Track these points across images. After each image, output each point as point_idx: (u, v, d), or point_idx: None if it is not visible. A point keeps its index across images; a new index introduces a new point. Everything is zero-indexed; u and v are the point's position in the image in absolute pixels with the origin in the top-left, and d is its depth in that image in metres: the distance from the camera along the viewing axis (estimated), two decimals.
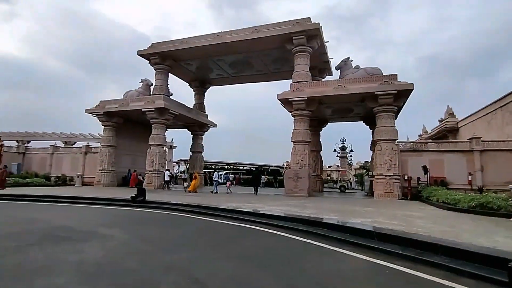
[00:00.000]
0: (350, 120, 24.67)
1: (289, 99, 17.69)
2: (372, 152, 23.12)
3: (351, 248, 5.41)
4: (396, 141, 16.70)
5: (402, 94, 16.08)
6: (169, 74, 24.31)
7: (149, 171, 21.54)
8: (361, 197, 19.00)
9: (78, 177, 22.73)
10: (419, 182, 16.63)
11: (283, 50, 20.62)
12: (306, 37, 18.50)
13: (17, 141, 35.34)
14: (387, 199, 15.55)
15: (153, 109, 21.27)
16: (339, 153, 33.75)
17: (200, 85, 27.85)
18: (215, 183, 20.43)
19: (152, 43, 22.56)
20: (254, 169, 41.29)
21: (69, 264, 4.22)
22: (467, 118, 26.73)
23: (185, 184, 21.14)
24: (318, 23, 18.32)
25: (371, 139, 22.94)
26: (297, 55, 18.88)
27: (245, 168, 50.21)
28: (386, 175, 15.96)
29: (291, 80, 19.05)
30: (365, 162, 61.88)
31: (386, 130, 16.40)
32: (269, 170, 45.39)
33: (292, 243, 5.96)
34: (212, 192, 18.94)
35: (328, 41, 20.37)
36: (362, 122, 23.27)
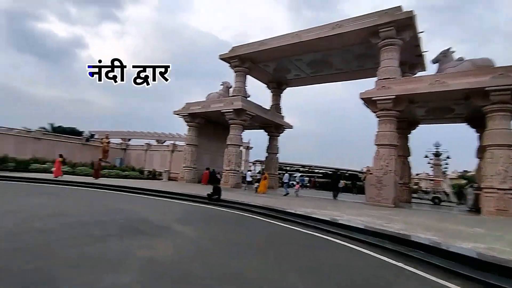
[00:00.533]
0: (448, 122, 21.11)
1: (373, 98, 15.96)
2: (478, 160, 19.37)
3: (461, 282, 4.15)
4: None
5: None
6: (248, 76, 24.90)
7: (226, 170, 22.28)
8: (462, 213, 15.94)
9: (165, 172, 25.03)
10: None
11: (367, 45, 18.86)
12: (396, 28, 16.45)
13: (122, 139, 41.22)
14: (499, 218, 12.58)
15: (232, 110, 21.94)
16: (431, 159, 29.45)
17: (277, 86, 27.75)
18: (285, 185, 19.98)
19: (233, 47, 23.36)
20: (331, 172, 39.28)
21: (138, 260, 4.20)
22: None
23: (256, 185, 21.10)
24: (412, 11, 16.08)
25: (478, 144, 19.23)
26: (384, 50, 16.96)
27: (320, 171, 48.51)
28: (499, 189, 12.93)
29: (375, 78, 17.23)
30: (463, 171, 53.03)
31: (501, 133, 13.31)
32: (346, 174, 42.76)
33: (377, 264, 4.96)
34: (284, 195, 18.37)
35: (423, 31, 17.74)
36: (465, 123, 19.64)
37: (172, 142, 32.03)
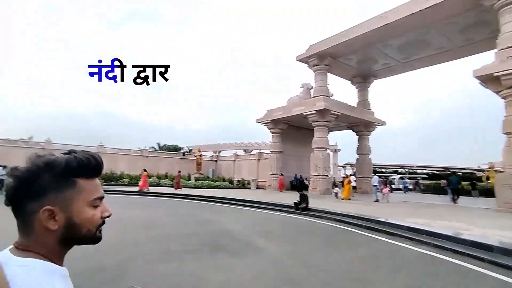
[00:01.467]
0: None
1: (496, 74, 12.48)
2: None
3: None
4: None
5: None
6: (329, 74, 23.29)
7: (314, 175, 20.98)
8: None
9: (253, 181, 25.23)
10: None
11: (476, 11, 15.21)
12: None
13: (213, 151, 44.16)
14: None
15: (314, 111, 20.68)
16: None
17: (362, 80, 25.17)
18: (374, 189, 17.11)
19: (310, 45, 22.18)
20: (449, 173, 33.62)
21: (211, 284, 3.55)
22: None
23: (335, 190, 18.29)
24: None
25: None
26: (504, 10, 13.22)
27: (424, 171, 42.08)
28: None
29: (491, 51, 13.57)
30: None
31: None
32: (459, 174, 35.76)
33: None
34: (375, 201, 15.71)
35: None
36: None
37: (258, 150, 32.45)
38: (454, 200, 16.06)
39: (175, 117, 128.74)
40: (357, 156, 25.17)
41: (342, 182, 18.83)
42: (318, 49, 21.21)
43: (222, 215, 10.55)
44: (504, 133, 12.88)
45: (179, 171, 23.21)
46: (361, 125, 24.18)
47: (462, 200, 19.29)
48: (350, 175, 20.26)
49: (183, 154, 34.50)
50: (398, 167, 41.06)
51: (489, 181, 27.39)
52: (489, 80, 13.08)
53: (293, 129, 26.73)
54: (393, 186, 24.60)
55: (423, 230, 6.67)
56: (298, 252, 5.66)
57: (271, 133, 25.35)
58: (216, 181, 27.23)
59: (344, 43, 19.62)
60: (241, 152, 38.31)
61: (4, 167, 13.52)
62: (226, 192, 19.86)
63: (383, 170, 41.59)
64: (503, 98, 13.02)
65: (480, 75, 13.13)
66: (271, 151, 25.42)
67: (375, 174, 19.24)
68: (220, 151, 45.42)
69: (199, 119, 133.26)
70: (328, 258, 5.27)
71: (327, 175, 21.01)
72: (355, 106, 24.27)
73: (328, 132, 28.36)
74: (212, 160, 34.44)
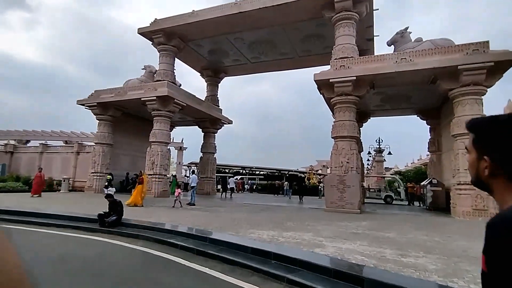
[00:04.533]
0: (399, 114, 19.79)
1: (332, 80, 13.08)
2: (431, 154, 18.23)
3: None
4: None
5: (500, 68, 11.19)
6: (178, 61, 20.33)
7: (149, 174, 17.32)
8: (425, 213, 14.04)
9: (64, 181, 18.77)
10: None
11: (317, 22, 16.19)
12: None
13: (16, 140, 32.18)
14: (478, 220, 10.67)
15: (155, 97, 17.12)
16: (374, 156, 28.68)
17: (213, 74, 23.63)
18: (192, 191, 13.91)
19: (156, 19, 18.47)
20: (292, 175, 37.03)
21: None
22: None
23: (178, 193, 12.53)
24: None
25: (430, 137, 18.09)
26: (339, 24, 14.28)
27: (261, 173, 45.71)
28: None
29: (323, 67, 14.55)
30: (394, 167, 55.99)
31: None
32: (287, 175, 40.79)
33: None
34: (190, 203, 13.00)
35: (377, 9, 15.67)
36: (416, 115, 18.38)
37: (80, 142, 25.35)
38: (300, 199, 16.54)
39: None
40: (201, 154, 23.26)
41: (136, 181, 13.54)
42: (165, 24, 17.85)
43: None
44: (333, 137, 13.74)
45: None
46: (208, 121, 22.46)
47: (294, 199, 20.59)
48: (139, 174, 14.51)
49: None
50: (240, 167, 42.67)
51: (309, 181, 31.74)
52: (325, 85, 13.67)
53: (130, 119, 22.10)
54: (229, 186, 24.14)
55: (280, 256, 4.67)
56: None
57: (98, 120, 19.81)
58: (4, 180, 18.77)
59: (195, 25, 17.19)
60: (60, 144, 29.25)
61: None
62: (9, 198, 13.16)
63: (227, 170, 42.21)
64: (334, 105, 13.93)
65: (318, 79, 13.55)
66: (96, 143, 19.83)
67: (193, 173, 15.78)
68: (29, 141, 33.82)
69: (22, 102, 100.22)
70: None
71: (165, 175, 17.82)
72: (204, 100, 22.32)
73: (173, 127, 25.37)
74: (6, 152, 24.37)
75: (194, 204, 13.12)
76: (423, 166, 46.09)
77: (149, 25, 18.47)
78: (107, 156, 19.66)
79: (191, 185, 14.21)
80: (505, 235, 0.64)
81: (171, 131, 22.00)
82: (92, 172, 19.30)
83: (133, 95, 18.13)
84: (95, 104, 19.05)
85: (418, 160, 56.84)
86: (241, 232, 6.38)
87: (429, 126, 18.12)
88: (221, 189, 24.14)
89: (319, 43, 18.49)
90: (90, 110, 19.72)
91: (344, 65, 13.22)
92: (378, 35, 18.13)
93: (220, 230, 6.60)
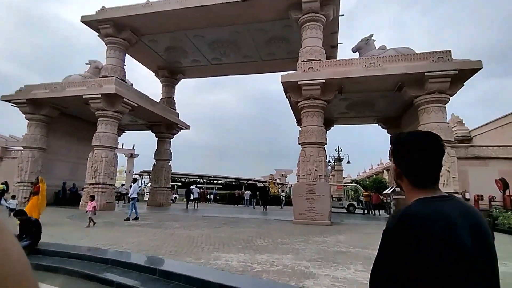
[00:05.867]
0: (361, 122, 19.86)
1: (300, 82, 12.29)
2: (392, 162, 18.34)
3: None
4: (451, 144, 11.85)
5: (462, 77, 11.32)
6: (132, 62, 18.28)
7: (91, 184, 14.88)
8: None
9: None
10: (492, 203, 11.71)
11: (282, 24, 15.49)
12: (320, 1, 13.44)
13: None
14: None
15: (100, 95, 14.87)
16: (334, 164, 28.79)
17: (169, 75, 21.76)
18: (131, 204, 11.72)
19: (103, 7, 16.29)
20: (254, 184, 35.72)
21: None
22: (484, 126, 22.96)
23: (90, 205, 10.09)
24: None
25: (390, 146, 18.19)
26: (306, 26, 13.67)
27: (219, 182, 43.91)
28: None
29: (286, 72, 13.85)
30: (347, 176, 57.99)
31: (439, 128, 11.39)
32: (245, 184, 39.66)
33: None
34: (128, 219, 11.09)
35: (343, 15, 15.44)
36: (377, 123, 18.51)
37: (5, 146, 21.52)
38: (264, 209, 15.38)
39: None
40: (154, 161, 21.05)
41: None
42: (114, 14, 15.78)
43: None
44: (300, 144, 12.92)
45: None
46: (163, 125, 20.41)
47: (258, 209, 19.37)
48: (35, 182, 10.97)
49: None
50: (198, 176, 40.52)
51: (270, 191, 30.84)
52: (292, 88, 12.88)
53: (70, 120, 19.29)
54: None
55: None
56: None
57: (28, 120, 16.80)
58: None
59: (150, 16, 15.41)
60: None
61: None
62: None
63: (183, 179, 39.76)
64: (301, 109, 13.16)
65: (285, 81, 12.69)
66: (24, 147, 16.73)
67: (135, 182, 13.01)
68: None
69: None
70: None
71: (110, 184, 15.47)
72: (158, 102, 20.31)
73: (123, 131, 22.84)
74: None
75: (136, 218, 11.15)
76: (374, 175, 48.54)
77: (95, 13, 16.22)
78: (37, 162, 16.65)
79: (131, 197, 12.08)
80: (399, 226, 0.88)
81: (119, 136, 19.62)
82: (18, 182, 16.15)
83: (72, 92, 15.63)
84: (24, 100, 16.09)
85: (369, 169, 59.96)
86: (202, 258, 4.95)
87: (389, 135, 18.32)
88: (184, 200, 22.03)
89: (284, 46, 17.85)
90: (18, 108, 16.64)
91: (312, 67, 12.54)
92: (341, 43, 18.05)
93: (175, 255, 5.10)
